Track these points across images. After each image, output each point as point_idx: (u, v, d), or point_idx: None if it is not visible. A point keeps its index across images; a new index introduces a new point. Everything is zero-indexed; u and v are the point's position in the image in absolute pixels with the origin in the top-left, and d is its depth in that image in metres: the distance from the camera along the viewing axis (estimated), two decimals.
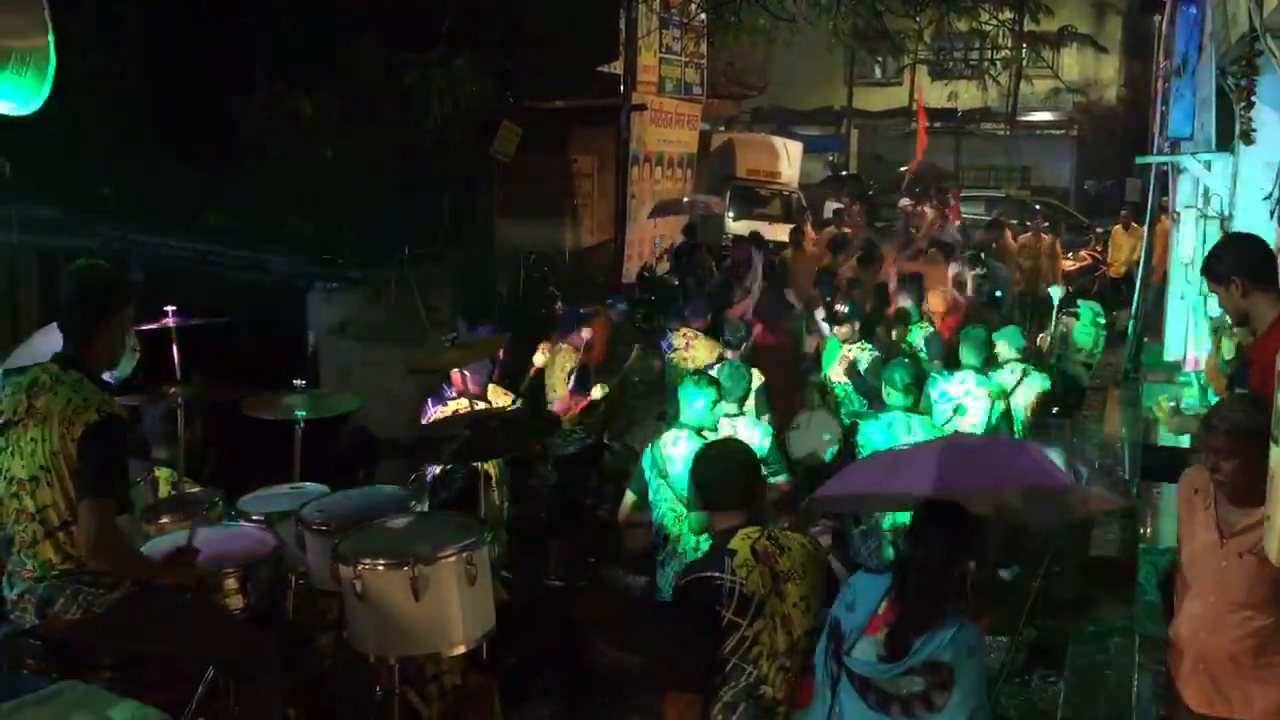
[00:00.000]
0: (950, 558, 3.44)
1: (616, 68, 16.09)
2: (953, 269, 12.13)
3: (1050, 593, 7.60)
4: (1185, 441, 7.62)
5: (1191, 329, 11.01)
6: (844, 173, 31.31)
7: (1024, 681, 6.43)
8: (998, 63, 29.74)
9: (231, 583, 4.47)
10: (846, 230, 16.71)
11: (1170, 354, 12.59)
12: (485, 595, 4.54)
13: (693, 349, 8.66)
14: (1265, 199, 5.74)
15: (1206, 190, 9.37)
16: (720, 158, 22.52)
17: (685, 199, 19.22)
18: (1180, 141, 10.48)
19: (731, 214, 21.73)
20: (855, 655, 3.40)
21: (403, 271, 10.31)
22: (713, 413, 5.84)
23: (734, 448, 4.02)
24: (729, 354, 7.83)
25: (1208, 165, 9.38)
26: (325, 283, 9.41)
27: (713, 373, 6.39)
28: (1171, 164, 11.99)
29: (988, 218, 20.88)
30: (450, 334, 5.77)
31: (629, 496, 5.93)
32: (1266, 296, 4.13)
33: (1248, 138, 6.36)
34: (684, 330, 8.84)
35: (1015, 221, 19.25)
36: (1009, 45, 29.15)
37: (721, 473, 3.75)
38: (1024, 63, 30.58)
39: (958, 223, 18.67)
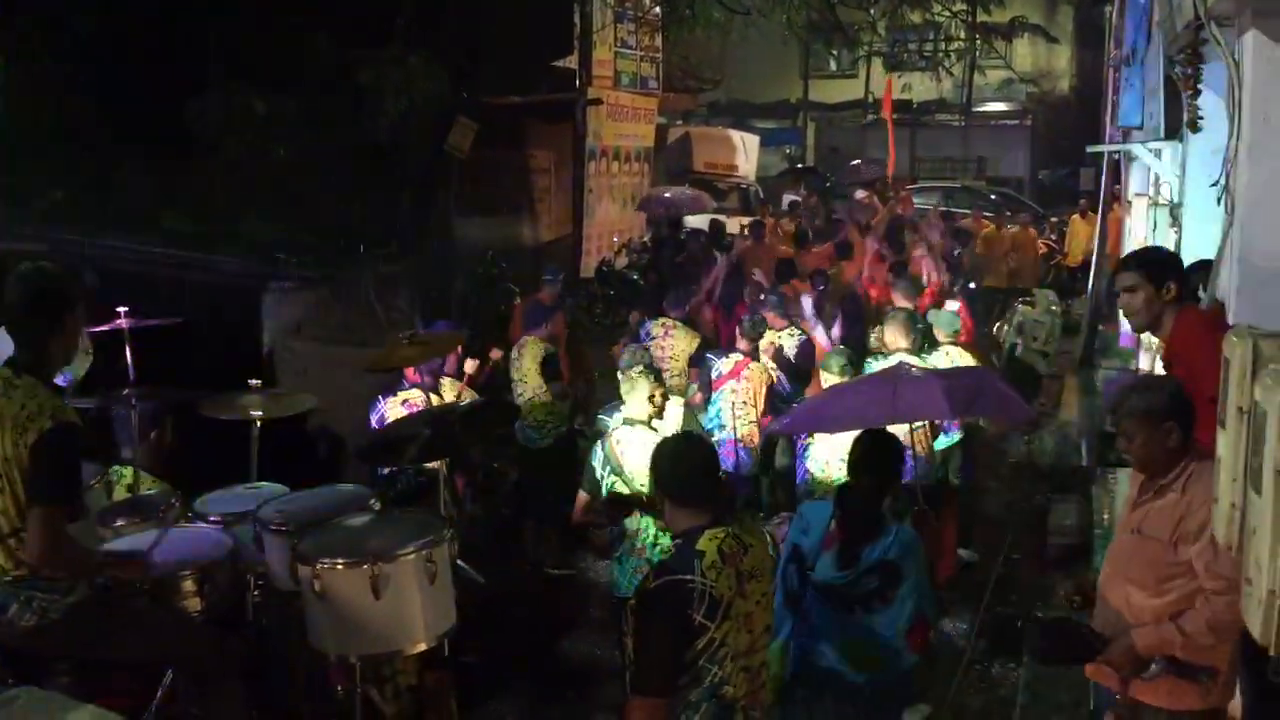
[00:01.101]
0: (885, 481, 4.42)
1: (572, 62, 16.05)
2: (917, 252, 12.22)
3: (1009, 579, 7.68)
4: None
5: None
6: (799, 165, 31.42)
7: (985, 669, 6.49)
8: (951, 54, 29.99)
9: (189, 585, 4.42)
10: (806, 223, 16.78)
11: (1125, 341, 12.75)
12: (445, 593, 4.53)
13: (671, 338, 8.69)
14: (1212, 186, 5.79)
15: (1157, 178, 9.48)
16: (677, 152, 22.51)
17: (667, 193, 19.29)
18: (1131, 130, 10.58)
19: (691, 221, 21.75)
20: (817, 570, 4.20)
21: (360, 271, 10.24)
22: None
23: (696, 442, 3.98)
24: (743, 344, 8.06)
25: (1157, 153, 9.49)
26: (281, 283, 9.32)
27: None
28: (1123, 153, 12.12)
29: (943, 208, 21.02)
30: (407, 332, 5.74)
31: (582, 495, 5.84)
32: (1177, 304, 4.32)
33: (1195, 126, 6.40)
34: (663, 320, 8.89)
35: (990, 215, 19.35)
36: (962, 37, 29.39)
37: (687, 469, 3.68)
38: (977, 54, 30.83)
39: (910, 211, 18.78)
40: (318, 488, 5.37)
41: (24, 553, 3.76)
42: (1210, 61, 6.01)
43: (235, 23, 9.90)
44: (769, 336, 8.53)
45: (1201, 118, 6.30)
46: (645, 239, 18.15)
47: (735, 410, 7.73)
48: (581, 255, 16.34)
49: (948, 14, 24.72)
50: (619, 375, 6.06)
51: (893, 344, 7.50)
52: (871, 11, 20.05)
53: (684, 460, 3.70)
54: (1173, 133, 8.48)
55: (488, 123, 13.07)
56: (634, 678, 3.44)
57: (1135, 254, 4.92)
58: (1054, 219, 22.12)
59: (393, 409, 6.65)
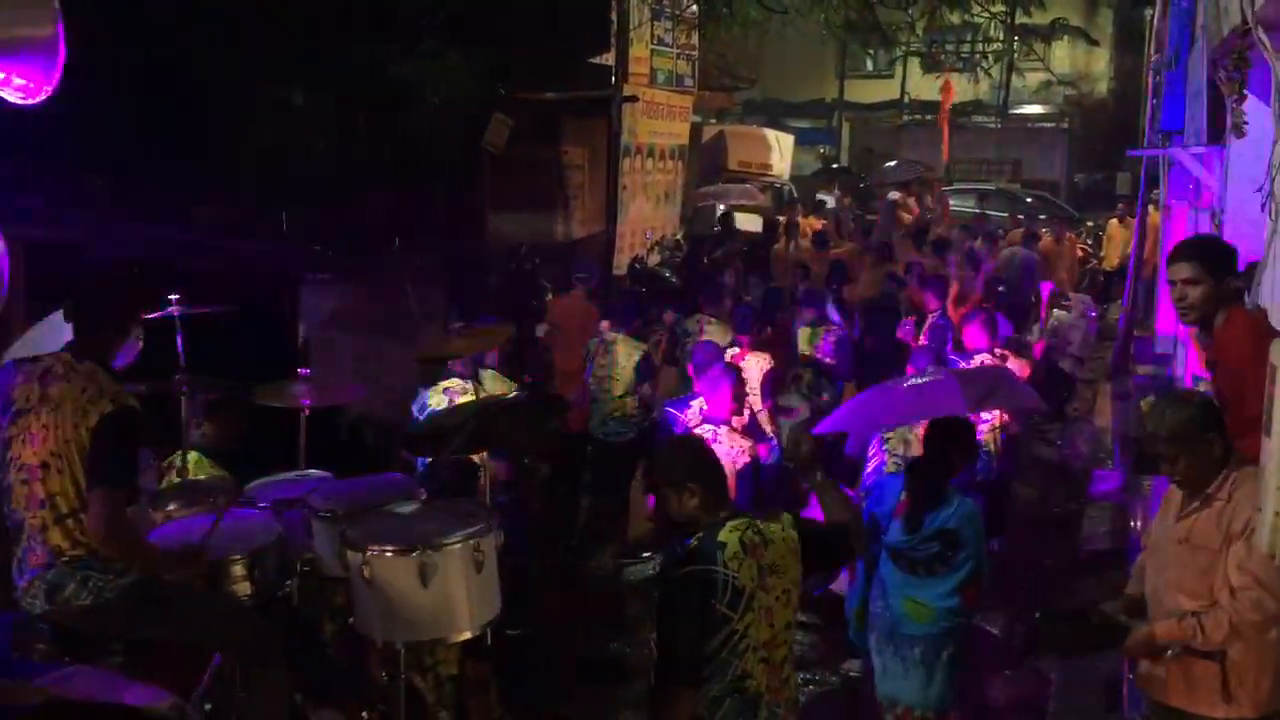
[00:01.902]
0: (951, 461, 4.98)
1: (608, 59, 16.03)
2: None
3: (1041, 585, 7.64)
4: None
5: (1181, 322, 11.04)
6: (834, 165, 31.31)
7: (1014, 672, 6.46)
8: (989, 55, 29.78)
9: (239, 570, 4.49)
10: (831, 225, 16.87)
11: (1160, 347, 12.65)
12: (491, 582, 4.58)
13: (707, 335, 8.77)
14: (1256, 191, 5.73)
15: (1198, 183, 9.39)
16: (711, 150, 22.46)
17: (714, 189, 19.78)
18: (1171, 134, 10.50)
19: (723, 206, 21.76)
20: (888, 535, 4.91)
21: (394, 263, 10.28)
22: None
23: (689, 437, 4.14)
24: None
25: (1199, 158, 9.41)
26: (316, 274, 9.38)
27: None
28: (1163, 157, 12.02)
29: (976, 211, 20.93)
30: (459, 323, 5.82)
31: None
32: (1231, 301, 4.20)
33: (1239, 130, 6.35)
34: (698, 316, 9.10)
35: (1022, 218, 19.22)
36: (1000, 38, 29.19)
37: (714, 459, 3.75)
38: (1015, 56, 30.62)
39: (947, 220, 18.73)
40: (366, 476, 5.44)
41: (83, 533, 3.84)
42: (1256, 66, 5.96)
43: (275, 14, 9.95)
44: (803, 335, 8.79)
45: (1246, 123, 6.25)
46: (678, 236, 18.14)
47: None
48: (614, 252, 16.32)
49: (987, 15, 24.50)
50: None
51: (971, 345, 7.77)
52: (910, 12, 19.89)
53: (703, 451, 3.78)
54: (1215, 138, 8.41)
55: (522, 118, 13.09)
56: (660, 668, 3.44)
57: (1194, 244, 4.61)
58: (1090, 223, 21.97)
59: (434, 397, 6.74)
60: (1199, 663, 3.76)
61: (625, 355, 8.26)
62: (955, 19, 23.63)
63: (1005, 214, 20.97)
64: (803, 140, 28.71)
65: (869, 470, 6.44)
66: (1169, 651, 3.74)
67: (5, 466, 3.96)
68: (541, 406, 6.05)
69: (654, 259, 16.82)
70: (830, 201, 21.82)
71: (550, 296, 11.82)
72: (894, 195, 20.82)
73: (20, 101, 3.52)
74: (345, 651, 4.88)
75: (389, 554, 4.37)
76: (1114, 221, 18.46)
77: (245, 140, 9.95)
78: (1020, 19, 27.63)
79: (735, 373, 6.64)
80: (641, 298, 13.45)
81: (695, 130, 21.13)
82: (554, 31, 13.02)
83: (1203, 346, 4.40)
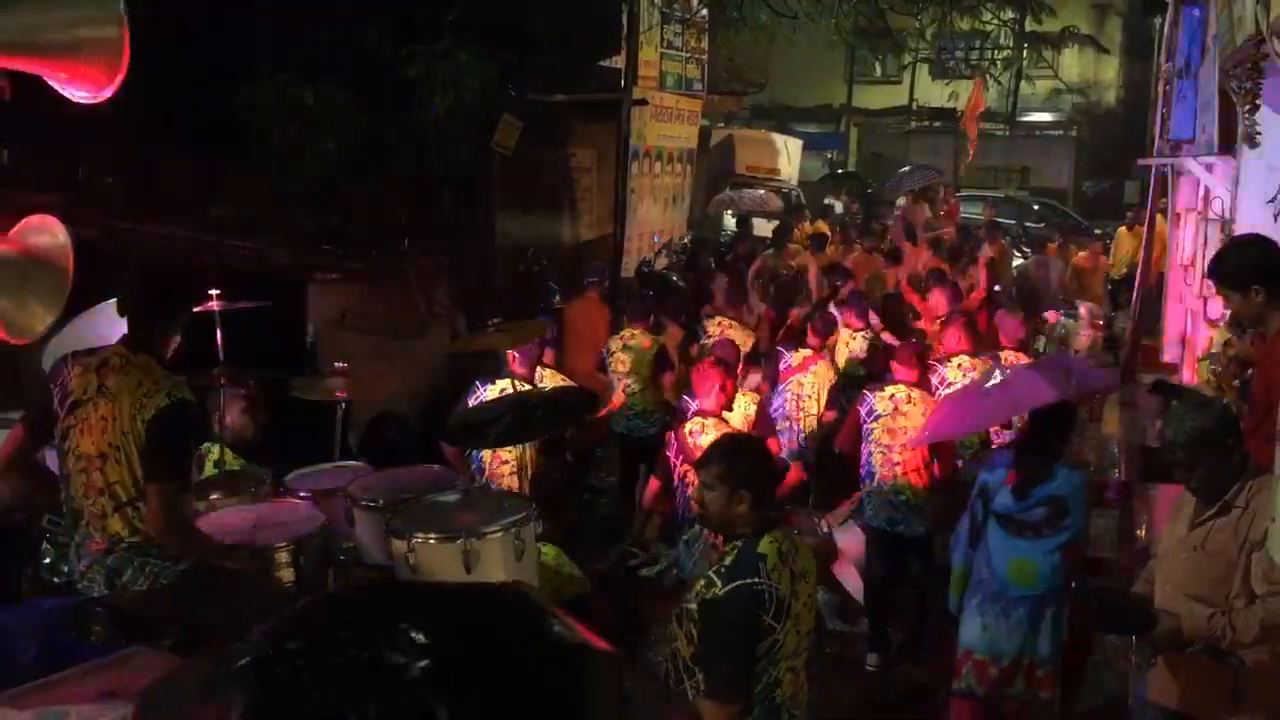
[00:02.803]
0: (1056, 441, 5.39)
1: (618, 62, 16.03)
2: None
3: None
4: None
5: (1188, 331, 11.03)
6: (840, 171, 31.32)
7: None
8: (998, 62, 29.78)
9: (283, 557, 4.62)
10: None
11: (1167, 355, 12.63)
12: (531, 570, 4.70)
13: (727, 337, 8.92)
14: (1269, 202, 5.74)
15: (1207, 193, 9.38)
16: (720, 154, 22.50)
17: (734, 195, 20.19)
18: (1181, 144, 10.49)
19: (730, 211, 21.79)
20: (999, 501, 5.27)
21: (403, 263, 10.29)
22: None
23: (759, 442, 4.11)
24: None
25: (1209, 168, 9.40)
26: (325, 274, 9.38)
27: None
28: (1172, 166, 12.01)
29: (982, 217, 20.92)
30: (495, 319, 5.92)
31: (654, 481, 6.35)
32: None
33: (1252, 140, 6.35)
34: (719, 319, 9.30)
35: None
36: (1010, 45, 29.19)
37: (770, 469, 3.75)
38: (1025, 63, 30.62)
39: (955, 224, 18.73)
40: (403, 467, 5.63)
41: (141, 521, 3.97)
42: (1270, 76, 5.96)
43: (286, 13, 9.96)
44: (842, 336, 9.08)
45: (1259, 132, 6.25)
46: (686, 240, 18.15)
47: (801, 403, 7.93)
48: (622, 255, 16.33)
49: (997, 21, 24.51)
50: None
51: (955, 347, 7.81)
52: (920, 18, 19.90)
53: (767, 459, 3.80)
54: (1226, 147, 8.40)
55: (532, 120, 13.09)
56: (708, 683, 3.39)
57: (1215, 260, 4.61)
58: (1097, 231, 21.95)
59: (491, 395, 6.78)
60: (1213, 668, 3.77)
61: (644, 351, 8.38)
62: (965, 25, 23.69)
63: (1013, 221, 20.94)
64: (811, 145, 28.73)
65: (863, 462, 6.86)
66: (1189, 648, 3.74)
67: (65, 456, 4.06)
68: (576, 399, 6.14)
69: (661, 262, 16.83)
70: (838, 207, 21.82)
71: (557, 298, 11.83)
72: (902, 201, 20.86)
73: (82, 100, 3.59)
74: None
75: (433, 541, 4.51)
76: (1122, 229, 18.44)
77: (256, 137, 9.96)
78: (1030, 26, 27.67)
79: (728, 367, 6.59)
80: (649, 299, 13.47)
81: (704, 134, 21.15)
82: (564, 34, 13.03)
83: (1252, 342, 4.38)
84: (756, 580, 3.37)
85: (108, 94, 3.55)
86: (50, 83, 3.53)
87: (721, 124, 25.23)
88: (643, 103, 16.46)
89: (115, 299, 4.19)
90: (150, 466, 3.93)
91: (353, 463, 5.82)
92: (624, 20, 15.75)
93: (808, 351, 8.37)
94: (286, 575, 4.59)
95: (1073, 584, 5.01)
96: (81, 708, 2.71)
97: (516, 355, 6.72)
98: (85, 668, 3.03)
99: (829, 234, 17.12)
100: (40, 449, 4.30)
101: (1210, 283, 4.30)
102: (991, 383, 5.95)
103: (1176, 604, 3.87)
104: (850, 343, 9.24)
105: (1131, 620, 3.98)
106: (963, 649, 5.38)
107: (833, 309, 9.51)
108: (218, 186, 9.88)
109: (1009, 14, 25.06)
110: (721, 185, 22.11)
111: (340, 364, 6.17)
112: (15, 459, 4.21)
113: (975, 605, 5.31)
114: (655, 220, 17.96)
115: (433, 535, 4.52)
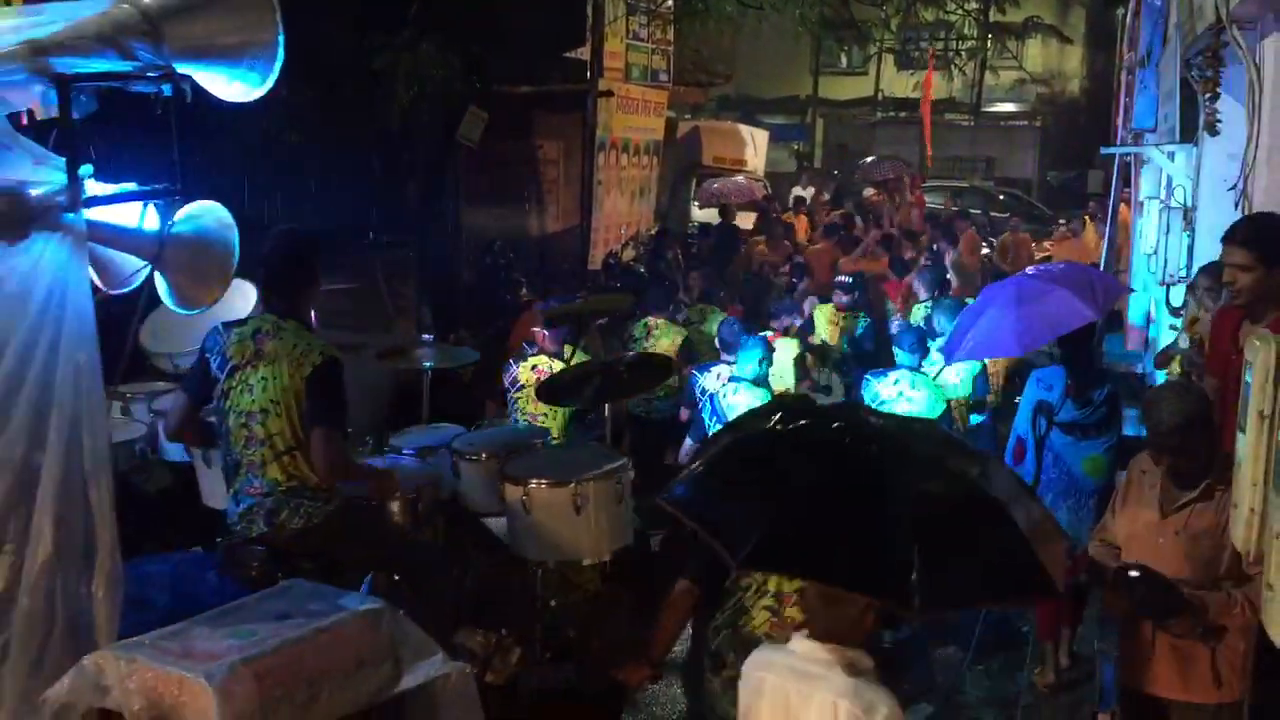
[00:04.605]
0: (1090, 348, 6.25)
1: (583, 53, 16.00)
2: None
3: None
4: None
5: (1153, 319, 11.11)
6: (804, 164, 31.39)
7: (988, 667, 6.47)
8: (963, 53, 29.89)
9: (397, 506, 5.19)
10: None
11: (1131, 344, 12.71)
12: (628, 512, 5.32)
13: (707, 321, 9.34)
14: (1230, 189, 5.78)
15: (1170, 181, 9.45)
16: (686, 145, 22.44)
17: (717, 184, 20.24)
18: (1144, 133, 10.56)
19: (698, 202, 21.76)
20: (1062, 414, 5.90)
21: (368, 257, 10.23)
22: (761, 369, 6.78)
23: None
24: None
25: (1171, 156, 9.46)
26: None
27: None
28: (1135, 155, 12.08)
29: (954, 209, 21.00)
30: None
31: (689, 443, 6.79)
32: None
33: (1213, 129, 6.39)
34: (699, 306, 9.70)
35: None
36: (974, 35, 29.30)
37: None
38: (989, 53, 30.73)
39: (919, 212, 18.80)
40: (494, 427, 6.61)
41: (296, 468, 4.51)
42: (1230, 65, 6.00)
43: None
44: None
45: (1219, 121, 6.29)
46: (652, 232, 18.14)
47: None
48: (589, 247, 16.30)
49: (961, 12, 24.59)
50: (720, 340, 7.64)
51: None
52: (885, 9, 19.93)
53: None
54: (1188, 136, 8.46)
55: (498, 112, 13.04)
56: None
57: (1251, 228, 4.37)
58: (1062, 221, 22.05)
59: (524, 372, 7.29)
60: (1192, 651, 3.79)
61: (668, 338, 8.59)
62: (929, 16, 23.76)
63: (979, 211, 21.01)
64: (777, 136, 28.71)
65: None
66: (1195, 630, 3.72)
67: (224, 414, 4.60)
68: (656, 364, 6.59)
69: (629, 254, 16.81)
70: (807, 198, 21.86)
71: (524, 291, 11.75)
72: (868, 192, 20.90)
73: (234, 100, 3.86)
74: (494, 577, 5.60)
75: (545, 486, 5.09)
76: (1086, 219, 18.53)
77: (221, 131, 9.86)
78: (994, 16, 27.79)
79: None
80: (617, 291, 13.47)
81: (670, 125, 21.13)
82: (529, 25, 12.97)
83: (1243, 330, 4.33)
84: None
85: (259, 95, 3.82)
86: (205, 86, 3.78)
87: (688, 116, 25.20)
88: (608, 94, 16.43)
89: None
90: (314, 415, 4.48)
91: (447, 425, 6.42)
92: (589, 11, 15.73)
93: (768, 334, 8.50)
94: (405, 520, 5.17)
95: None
96: (264, 622, 3.16)
97: (546, 334, 7.30)
98: (256, 597, 3.43)
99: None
100: (200, 409, 4.84)
101: (1236, 250, 4.13)
102: (1030, 305, 6.36)
103: None
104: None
105: (1168, 604, 3.74)
106: None
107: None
108: (178, 177, 9.77)
109: (973, 4, 25.14)
110: (688, 177, 22.08)
111: (426, 335, 6.89)
112: (184, 420, 4.86)
113: (1049, 501, 5.67)
114: (622, 212, 17.94)
115: (545, 480, 5.10)
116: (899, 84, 32.19)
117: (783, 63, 30.76)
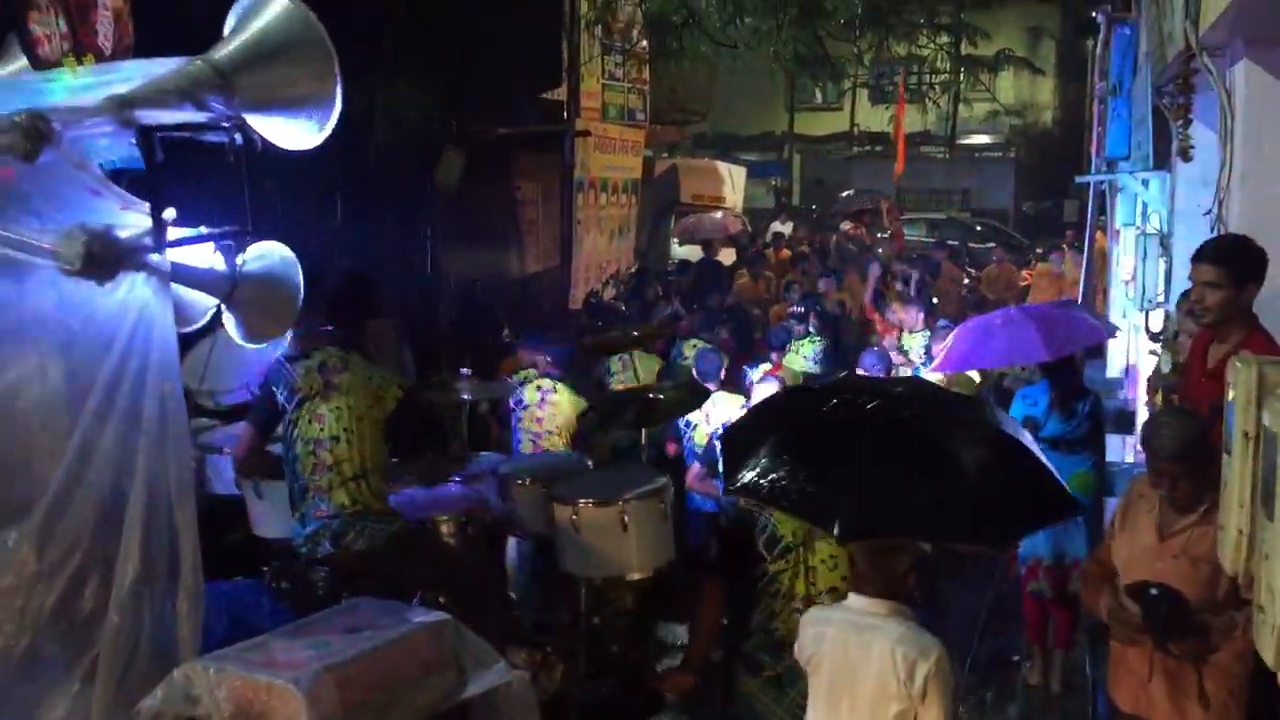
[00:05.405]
0: (1074, 363, 6.54)
1: (560, 94, 16.05)
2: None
3: (1003, 607, 7.61)
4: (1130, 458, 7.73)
5: (1132, 346, 11.15)
6: (782, 200, 31.56)
7: (980, 698, 6.43)
8: (936, 86, 30.17)
9: (446, 529, 5.54)
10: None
11: (1112, 370, 12.77)
12: (670, 529, 5.53)
13: (686, 354, 9.38)
14: (1205, 215, 5.80)
15: (1145, 208, 9.51)
16: (664, 183, 22.51)
17: (691, 219, 20.81)
18: (1117, 161, 10.63)
19: (677, 239, 21.81)
20: (1047, 429, 6.12)
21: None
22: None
23: None
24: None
25: (1145, 183, 9.53)
26: None
27: None
28: (1109, 183, 12.17)
29: (930, 240, 21.12)
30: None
31: (695, 466, 7.06)
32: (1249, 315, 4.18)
33: (1186, 155, 6.43)
34: (693, 340, 9.64)
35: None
36: (947, 69, 29.59)
37: None
38: (962, 86, 31.02)
39: (900, 247, 18.91)
40: (537, 452, 7.04)
41: (361, 493, 4.80)
42: (1201, 91, 6.04)
43: None
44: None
45: (1192, 147, 6.33)
46: (633, 270, 18.15)
47: None
48: (570, 287, 16.29)
49: (933, 46, 24.83)
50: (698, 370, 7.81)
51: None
52: (858, 45, 20.09)
53: None
54: (1161, 163, 8.52)
55: (475, 153, 13.03)
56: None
57: (1220, 247, 4.39)
58: (1039, 250, 22.19)
59: (529, 393, 7.58)
60: (1181, 674, 3.77)
61: (645, 370, 8.69)
62: (902, 51, 23.96)
63: (957, 242, 21.14)
64: (754, 173, 28.86)
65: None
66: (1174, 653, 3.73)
67: (292, 442, 4.84)
68: (692, 391, 6.98)
69: (609, 293, 16.81)
70: (787, 233, 21.97)
71: (506, 332, 11.72)
72: (845, 225, 21.01)
73: (291, 148, 4.00)
74: (538, 595, 6.06)
75: (594, 506, 5.32)
76: (1064, 248, 18.66)
77: (197, 172, 9.86)
78: (966, 49, 28.07)
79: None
80: (598, 330, 13.48)
81: (648, 164, 21.21)
82: (505, 67, 13.00)
83: (1210, 352, 4.31)
84: (757, 512, 4.09)
85: (318, 141, 3.97)
86: (268, 134, 3.92)
87: (665, 154, 25.31)
88: (585, 134, 16.48)
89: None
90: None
91: (485, 452, 6.88)
92: (565, 52, 15.79)
93: (767, 365, 8.75)
94: (455, 543, 5.52)
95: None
96: (337, 635, 3.33)
97: (550, 358, 7.69)
98: (325, 613, 3.61)
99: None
100: (267, 439, 5.08)
101: (1206, 268, 4.13)
102: (1001, 322, 6.92)
103: None
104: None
105: (1186, 624, 3.68)
106: (1031, 560, 6.25)
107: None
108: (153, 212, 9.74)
109: (945, 38, 25.39)
110: (667, 215, 22.15)
111: (465, 370, 7.24)
112: (251, 450, 5.07)
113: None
114: (602, 251, 17.95)
115: (593, 500, 5.34)
116: (874, 118, 32.46)
117: (758, 99, 30.97)
